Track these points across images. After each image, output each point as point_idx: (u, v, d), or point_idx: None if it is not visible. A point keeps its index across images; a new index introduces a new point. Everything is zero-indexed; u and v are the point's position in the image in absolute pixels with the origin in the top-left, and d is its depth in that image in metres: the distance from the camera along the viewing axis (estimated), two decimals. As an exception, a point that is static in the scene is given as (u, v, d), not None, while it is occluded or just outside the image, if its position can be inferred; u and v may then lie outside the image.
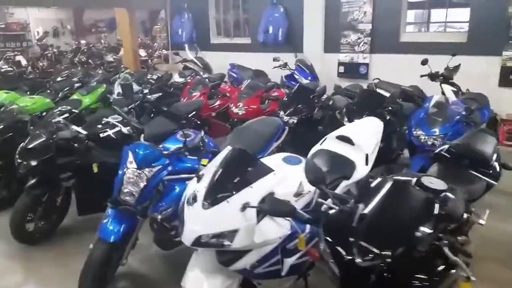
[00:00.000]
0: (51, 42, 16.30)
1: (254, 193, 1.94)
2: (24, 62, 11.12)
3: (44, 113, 4.87)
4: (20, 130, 3.97)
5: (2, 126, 3.97)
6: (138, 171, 2.57)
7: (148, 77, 6.46)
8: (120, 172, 2.62)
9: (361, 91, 4.80)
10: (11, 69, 10.20)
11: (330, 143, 2.88)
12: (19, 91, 6.19)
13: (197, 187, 2.07)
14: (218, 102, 5.71)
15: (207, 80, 5.83)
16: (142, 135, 2.82)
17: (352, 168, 2.68)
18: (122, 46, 14.62)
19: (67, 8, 17.65)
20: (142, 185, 2.56)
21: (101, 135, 3.43)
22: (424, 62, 5.11)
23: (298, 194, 2.17)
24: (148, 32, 20.61)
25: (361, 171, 2.69)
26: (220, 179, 2.03)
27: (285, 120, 4.38)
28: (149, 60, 12.13)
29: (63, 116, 4.20)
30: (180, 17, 9.84)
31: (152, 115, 5.91)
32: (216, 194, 1.98)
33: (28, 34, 15.35)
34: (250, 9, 9.00)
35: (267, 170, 2.07)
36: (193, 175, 2.60)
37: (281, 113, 4.53)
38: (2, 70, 9.98)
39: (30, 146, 3.22)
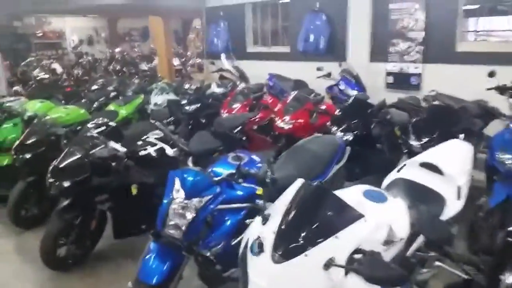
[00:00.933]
0: (85, 50, 16.46)
1: (340, 246, 1.51)
2: (59, 69, 11.13)
3: (79, 126, 4.61)
4: (53, 145, 3.71)
5: (34, 140, 3.70)
6: (186, 201, 2.19)
7: (186, 87, 6.15)
8: (165, 201, 2.25)
9: (432, 106, 4.26)
10: (46, 76, 10.18)
11: (411, 171, 2.41)
12: (54, 100, 6.00)
13: (263, 232, 1.66)
14: (259, 115, 5.32)
15: (247, 91, 5.46)
16: (190, 158, 2.43)
17: (441, 203, 2.20)
18: (156, 55, 14.65)
19: (102, 16, 17.81)
20: (190, 217, 2.18)
21: (141, 153, 3.08)
22: (492, 74, 4.53)
23: (388, 242, 1.72)
24: (181, 41, 20.61)
25: (453, 207, 2.20)
26: (293, 224, 1.62)
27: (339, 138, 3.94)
28: (183, 70, 11.93)
29: (98, 130, 3.91)
30: (216, 25, 9.56)
31: (190, 126, 5.60)
32: (288, 244, 1.56)
33: (64, 42, 15.50)
34: (289, 17, 8.61)
35: (355, 215, 1.62)
36: (246, 204, 2.22)
37: (334, 129, 4.09)
38: (38, 78, 9.96)
39: (63, 164, 2.90)
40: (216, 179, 2.27)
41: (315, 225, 1.58)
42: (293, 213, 1.64)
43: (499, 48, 6.04)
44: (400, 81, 6.88)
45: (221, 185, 2.30)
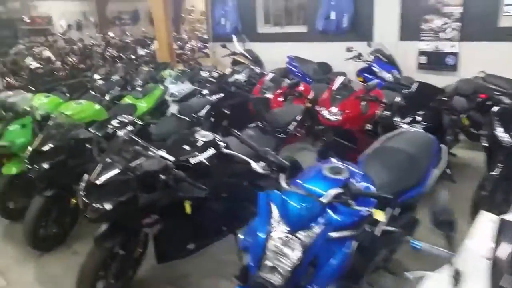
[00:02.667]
0: (74, 35, 15.53)
1: None
2: (53, 58, 10.30)
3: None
4: (75, 151, 3.09)
5: (51, 146, 3.08)
6: (290, 235, 1.64)
7: (205, 74, 5.53)
8: (260, 234, 1.69)
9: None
10: (40, 65, 9.40)
11: None
12: (57, 93, 5.32)
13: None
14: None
15: (279, 77, 4.86)
16: (283, 176, 1.85)
17: None
18: (154, 38, 13.80)
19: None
20: (297, 257, 1.63)
21: (192, 161, 2.50)
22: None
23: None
24: (172, 23, 19.67)
25: None
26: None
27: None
28: (184, 54, 11.18)
29: (126, 129, 3.31)
30: (223, 4, 8.84)
31: (212, 119, 5.01)
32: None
33: (53, 28, 14.54)
34: (306, -7, 7.96)
35: None
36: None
37: (397, 120, 3.54)
38: (31, 67, 9.18)
39: (102, 181, 2.31)
40: (323, 200, 1.71)
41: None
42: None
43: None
44: (434, 61, 6.35)
45: (327, 209, 1.75)
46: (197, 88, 5.75)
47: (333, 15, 7.16)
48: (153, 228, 2.48)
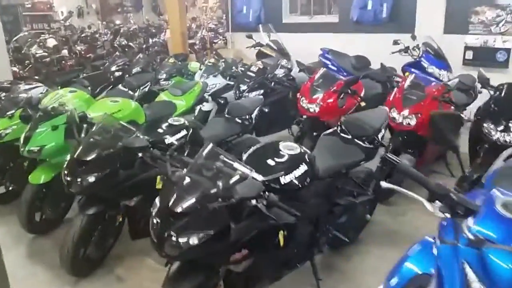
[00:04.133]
0: (76, 22, 14.86)
1: None
2: (60, 46, 9.68)
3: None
4: (125, 161, 2.58)
5: (98, 155, 2.55)
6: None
7: (242, 69, 5.02)
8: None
9: None
10: (46, 53, 8.80)
11: None
12: (77, 86, 4.79)
13: None
14: (345, 103, 4.25)
15: (330, 73, 4.35)
16: (471, 220, 1.34)
17: None
18: (163, 27, 13.21)
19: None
20: None
21: (282, 181, 2.03)
22: None
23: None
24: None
25: None
26: None
27: (501, 140, 2.95)
28: (197, 45, 10.61)
29: (178, 136, 2.82)
30: (246, -9, 8.27)
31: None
32: None
33: (56, 15, 13.84)
34: (337, -20, 7.42)
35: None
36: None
37: (488, 126, 3.07)
38: (37, 56, 8.58)
39: (183, 209, 1.80)
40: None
41: None
42: None
43: None
44: (482, 57, 5.85)
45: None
46: (229, 82, 5.26)
47: (370, 5, 6.65)
48: (240, 265, 1.99)
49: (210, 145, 2.01)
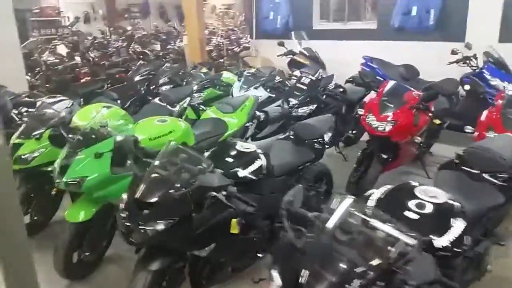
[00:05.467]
0: (82, 28, 14.38)
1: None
2: (65, 52, 9.13)
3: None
4: (199, 205, 2.02)
5: (167, 196, 1.98)
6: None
7: (293, 80, 4.49)
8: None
9: None
10: (57, 60, 8.26)
11: None
12: (105, 100, 4.26)
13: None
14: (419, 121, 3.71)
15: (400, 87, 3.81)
16: None
17: None
18: (180, 34, 12.69)
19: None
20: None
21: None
22: None
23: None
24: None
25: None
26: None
27: None
28: (214, 52, 10.09)
29: (251, 169, 2.29)
30: (273, -4, 7.77)
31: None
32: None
33: (64, 20, 13.34)
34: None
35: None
36: None
37: None
38: (49, 62, 8.05)
39: None
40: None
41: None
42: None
43: None
44: (544, 67, 5.35)
45: None
46: (270, 95, 4.73)
47: (414, 11, 6.16)
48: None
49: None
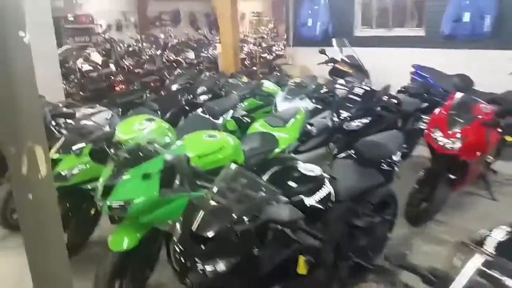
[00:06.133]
0: (114, 35, 14.47)
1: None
2: (99, 59, 9.10)
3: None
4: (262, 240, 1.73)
5: (231, 231, 1.70)
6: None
7: (341, 90, 4.17)
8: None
9: None
10: (92, 68, 8.21)
11: None
12: (145, 109, 4.05)
13: None
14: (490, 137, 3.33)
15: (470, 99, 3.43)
16: None
17: None
18: (211, 41, 12.59)
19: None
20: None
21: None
22: None
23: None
24: (213, 25, 18.52)
25: None
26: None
27: None
28: (247, 60, 9.87)
29: (319, 196, 1.98)
30: (311, 2, 7.48)
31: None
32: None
33: (97, 28, 13.44)
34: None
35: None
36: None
37: None
38: (84, 70, 7.99)
39: None
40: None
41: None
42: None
43: None
44: None
45: None
46: (318, 106, 4.42)
47: (467, 17, 5.74)
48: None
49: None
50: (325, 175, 2.22)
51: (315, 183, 2.14)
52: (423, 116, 4.70)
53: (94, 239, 3.29)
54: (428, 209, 3.36)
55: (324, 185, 2.16)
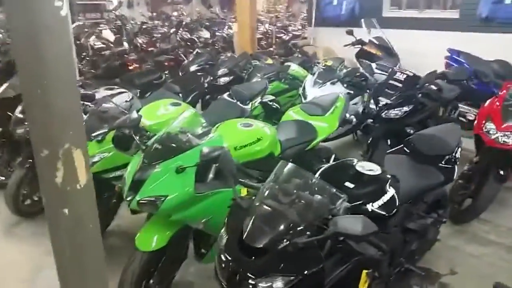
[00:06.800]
0: (125, 12, 14.09)
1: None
2: (111, 36, 8.78)
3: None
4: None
5: (295, 244, 1.47)
6: None
7: (379, 75, 3.86)
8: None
9: None
10: (104, 46, 7.91)
11: None
12: (167, 92, 3.80)
13: None
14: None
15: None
16: None
17: None
18: (227, 20, 12.19)
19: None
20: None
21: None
22: None
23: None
24: (226, 4, 18.03)
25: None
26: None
27: None
28: (267, 40, 9.50)
29: (383, 200, 1.73)
30: (337, -19, 7.07)
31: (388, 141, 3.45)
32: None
33: (109, 4, 13.07)
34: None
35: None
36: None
37: None
38: (96, 47, 7.70)
39: None
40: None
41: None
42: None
43: None
44: None
45: None
46: (349, 91, 4.12)
47: (508, -2, 5.34)
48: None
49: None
50: (388, 175, 1.92)
51: (376, 185, 1.85)
52: (460, 105, 4.41)
53: (112, 229, 3.12)
54: (474, 207, 3.10)
55: (388, 187, 1.87)
